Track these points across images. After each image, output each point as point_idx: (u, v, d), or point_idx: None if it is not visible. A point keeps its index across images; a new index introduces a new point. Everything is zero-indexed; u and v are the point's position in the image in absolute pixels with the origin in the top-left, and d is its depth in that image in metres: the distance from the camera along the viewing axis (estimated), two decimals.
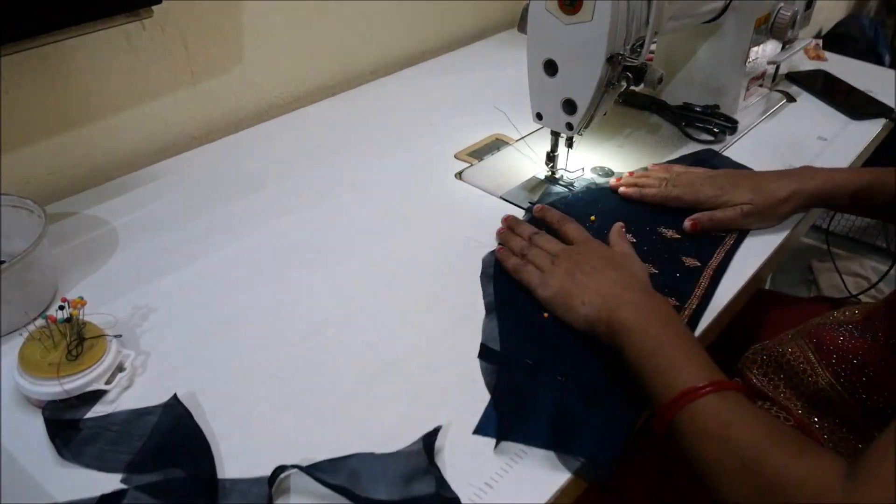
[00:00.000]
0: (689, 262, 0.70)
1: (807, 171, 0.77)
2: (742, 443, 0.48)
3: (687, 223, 0.74)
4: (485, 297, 0.67)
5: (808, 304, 0.88)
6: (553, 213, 0.73)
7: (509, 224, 0.74)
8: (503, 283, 0.68)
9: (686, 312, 0.65)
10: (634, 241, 0.73)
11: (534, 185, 0.84)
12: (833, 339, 0.65)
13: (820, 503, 0.43)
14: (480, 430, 0.54)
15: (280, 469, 0.49)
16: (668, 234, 0.74)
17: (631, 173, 0.83)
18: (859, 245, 1.89)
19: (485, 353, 0.60)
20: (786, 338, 0.70)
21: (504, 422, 0.53)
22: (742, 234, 0.75)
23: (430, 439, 0.52)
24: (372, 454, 0.51)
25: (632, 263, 0.66)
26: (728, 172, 0.81)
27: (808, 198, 0.75)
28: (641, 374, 0.55)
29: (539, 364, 0.59)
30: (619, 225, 0.71)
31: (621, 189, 0.80)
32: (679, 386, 0.51)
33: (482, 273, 0.70)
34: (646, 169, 0.84)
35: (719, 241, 0.74)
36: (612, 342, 0.58)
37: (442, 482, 0.49)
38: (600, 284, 0.61)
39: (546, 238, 0.70)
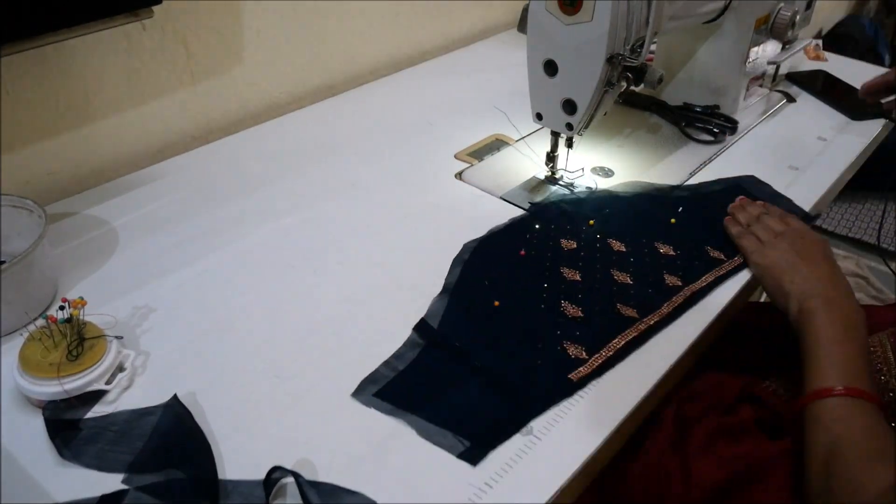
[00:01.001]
0: (671, 280, 0.69)
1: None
2: (838, 438, 0.53)
3: (863, 88, 0.77)
4: (447, 278, 0.68)
5: None
6: (776, 208, 0.77)
7: (742, 202, 0.79)
8: (472, 267, 0.69)
9: (640, 327, 0.63)
10: (624, 250, 0.72)
11: (534, 185, 0.84)
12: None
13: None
14: (361, 390, 0.56)
15: (275, 469, 0.49)
16: (663, 250, 0.73)
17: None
18: (858, 245, 1.89)
19: (420, 327, 0.62)
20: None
21: (405, 395, 0.55)
22: (741, 266, 0.72)
23: None
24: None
25: (830, 252, 0.69)
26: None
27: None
28: (805, 357, 0.60)
29: (467, 350, 0.59)
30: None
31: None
32: (818, 384, 0.57)
33: (456, 257, 0.71)
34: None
35: (714, 264, 0.72)
36: (796, 324, 0.63)
37: None
38: (812, 271, 0.65)
39: (774, 219, 0.74)
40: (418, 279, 0.68)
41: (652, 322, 0.63)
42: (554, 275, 0.69)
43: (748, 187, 0.84)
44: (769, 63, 1.00)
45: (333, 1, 1.01)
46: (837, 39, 2.29)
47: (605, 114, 0.77)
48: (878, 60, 2.25)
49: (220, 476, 0.50)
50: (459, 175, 0.86)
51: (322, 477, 0.50)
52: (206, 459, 0.50)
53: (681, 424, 0.69)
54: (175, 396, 0.55)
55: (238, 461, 0.51)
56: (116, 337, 0.58)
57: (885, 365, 0.65)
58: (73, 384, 0.53)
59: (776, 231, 0.72)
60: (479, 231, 0.75)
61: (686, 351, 0.62)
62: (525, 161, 0.88)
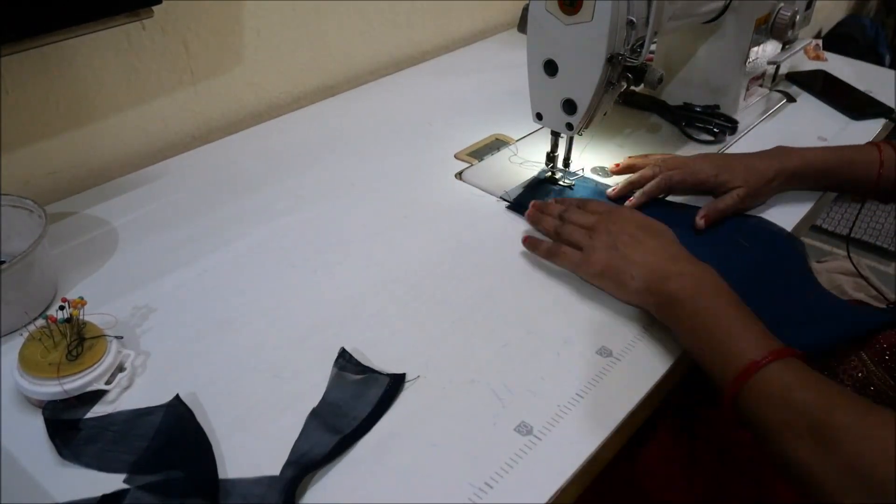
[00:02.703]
0: None
1: (783, 150, 0.79)
2: (807, 404, 0.49)
3: (700, 221, 0.74)
4: None
5: None
6: (569, 199, 0.75)
7: (537, 207, 0.74)
8: None
9: None
10: None
11: (534, 185, 0.84)
12: (887, 338, 0.64)
13: (888, 457, 0.43)
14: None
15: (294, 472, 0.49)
16: None
17: (617, 164, 0.83)
18: (858, 245, 1.89)
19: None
20: None
21: None
22: None
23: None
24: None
25: (664, 228, 0.66)
26: (714, 155, 0.81)
27: (788, 177, 0.77)
28: (696, 348, 0.56)
29: None
30: (631, 200, 0.74)
31: (627, 203, 0.77)
32: (739, 361, 0.52)
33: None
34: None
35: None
36: (662, 316, 0.60)
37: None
38: (645, 256, 0.62)
39: (577, 212, 0.70)
40: (418, 279, 0.68)
41: None
42: None
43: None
44: (769, 63, 1.00)
45: (333, 1, 1.01)
46: (837, 39, 2.29)
47: (605, 114, 0.77)
48: (878, 60, 2.25)
49: (220, 475, 0.50)
50: (459, 175, 0.86)
51: (322, 477, 0.50)
52: (207, 460, 0.50)
53: (682, 421, 0.69)
54: (177, 396, 0.55)
55: (237, 461, 0.51)
56: (116, 337, 0.58)
57: (859, 360, 0.65)
58: (73, 384, 0.53)
59: (587, 225, 0.68)
60: (479, 231, 0.75)
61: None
62: (525, 161, 0.88)
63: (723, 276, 0.60)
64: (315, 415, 0.54)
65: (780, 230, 0.76)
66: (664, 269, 0.60)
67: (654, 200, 0.78)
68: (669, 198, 0.80)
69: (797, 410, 0.49)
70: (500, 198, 0.80)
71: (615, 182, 0.83)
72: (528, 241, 0.71)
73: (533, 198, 0.79)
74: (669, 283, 0.59)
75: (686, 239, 0.66)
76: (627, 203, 0.77)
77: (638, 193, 0.78)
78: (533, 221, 0.74)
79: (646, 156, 0.83)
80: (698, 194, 0.79)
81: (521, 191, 0.82)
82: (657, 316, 0.61)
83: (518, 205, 0.79)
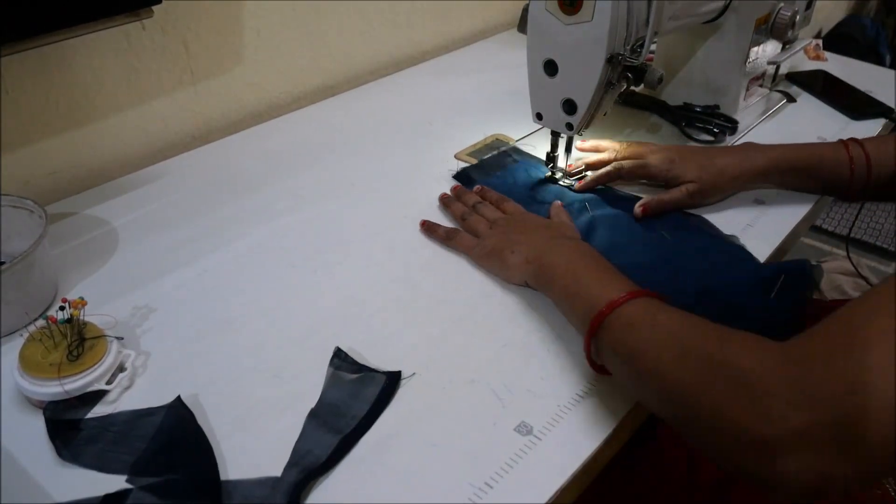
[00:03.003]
0: None
1: (751, 147, 0.79)
2: (673, 329, 0.48)
3: (637, 209, 0.75)
4: None
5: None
6: (493, 192, 0.77)
7: (456, 192, 0.78)
8: None
9: None
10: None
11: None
12: None
13: (763, 372, 0.42)
14: None
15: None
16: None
17: (583, 140, 0.84)
18: (858, 245, 1.89)
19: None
20: None
21: None
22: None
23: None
24: None
25: (566, 230, 0.69)
26: (676, 147, 0.81)
27: (754, 175, 0.77)
28: (565, 306, 0.59)
29: None
30: (558, 203, 0.75)
31: (577, 186, 0.80)
32: (598, 302, 0.53)
33: None
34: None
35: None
36: (539, 284, 0.62)
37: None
38: (530, 238, 0.65)
39: (489, 208, 0.73)
40: (418, 279, 0.68)
41: None
42: None
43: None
44: (769, 63, 1.00)
45: (333, 1, 1.01)
46: (837, 39, 2.29)
47: (605, 114, 0.77)
48: (878, 60, 2.25)
49: (221, 476, 0.50)
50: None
51: (322, 477, 0.50)
52: (208, 461, 0.50)
53: None
54: (179, 398, 0.55)
55: (237, 461, 0.51)
56: (117, 337, 0.58)
57: None
58: (74, 384, 0.53)
59: (491, 219, 0.71)
60: None
61: None
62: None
63: (639, 266, 0.63)
64: (314, 415, 0.54)
65: (718, 233, 0.74)
66: (543, 245, 0.64)
67: (603, 187, 0.81)
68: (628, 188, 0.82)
69: (663, 334, 0.48)
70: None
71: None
72: (425, 226, 0.74)
73: (483, 173, 0.83)
74: (544, 255, 0.62)
75: (612, 226, 0.72)
76: (576, 186, 0.80)
77: (588, 177, 0.80)
78: (444, 204, 0.77)
79: (612, 142, 0.83)
80: (653, 185, 0.80)
81: (473, 165, 0.85)
82: (535, 286, 0.64)
83: (465, 176, 0.83)
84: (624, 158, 0.79)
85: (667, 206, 0.76)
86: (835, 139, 0.95)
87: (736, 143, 0.93)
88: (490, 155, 0.88)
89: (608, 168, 0.79)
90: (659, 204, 0.75)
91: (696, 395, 0.45)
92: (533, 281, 0.64)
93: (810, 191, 0.80)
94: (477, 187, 0.78)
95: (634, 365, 0.50)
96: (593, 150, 0.83)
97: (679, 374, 0.46)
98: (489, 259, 0.67)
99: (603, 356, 0.54)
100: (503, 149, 0.89)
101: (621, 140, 0.83)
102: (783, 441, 0.39)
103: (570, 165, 0.83)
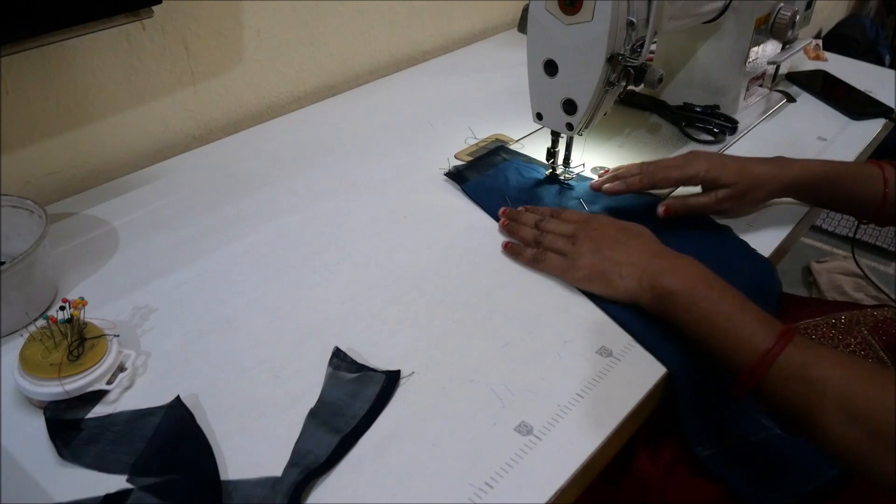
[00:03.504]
0: None
1: (782, 159, 0.78)
2: (829, 381, 0.49)
3: (660, 208, 0.73)
4: None
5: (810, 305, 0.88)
6: (541, 208, 0.74)
7: (510, 216, 0.74)
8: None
9: None
10: None
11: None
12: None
13: None
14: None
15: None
16: None
17: (606, 171, 0.82)
18: (858, 245, 1.89)
19: None
20: (839, 324, 0.70)
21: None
22: None
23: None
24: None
25: (644, 229, 0.67)
26: (712, 153, 0.80)
27: (784, 186, 0.75)
28: (702, 338, 0.57)
29: None
30: (609, 185, 0.74)
31: (605, 187, 0.77)
32: (750, 347, 0.53)
33: None
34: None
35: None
36: (658, 310, 0.61)
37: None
38: (631, 256, 0.63)
39: (553, 221, 0.70)
40: (418, 279, 0.68)
41: None
42: None
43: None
44: (769, 63, 1.00)
45: (333, 1, 1.01)
46: (837, 39, 2.29)
47: (605, 114, 0.77)
48: (878, 60, 2.25)
49: (221, 476, 0.50)
50: None
51: (322, 477, 0.50)
52: (208, 461, 0.50)
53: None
54: (178, 398, 0.55)
55: (237, 461, 0.51)
56: (117, 337, 0.58)
57: (875, 356, 0.65)
58: (74, 384, 0.53)
59: (567, 234, 0.68)
60: (480, 231, 0.75)
61: None
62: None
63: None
64: (313, 415, 0.54)
65: (758, 256, 0.73)
66: (652, 266, 0.62)
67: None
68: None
69: (819, 389, 0.49)
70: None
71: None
72: (510, 248, 0.71)
73: (477, 173, 0.82)
74: (661, 279, 0.60)
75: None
76: (605, 186, 0.77)
77: (618, 182, 0.76)
78: (509, 231, 0.73)
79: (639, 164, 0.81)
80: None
81: (465, 164, 0.85)
82: (653, 311, 0.62)
83: (458, 174, 0.82)
84: (660, 168, 0.76)
85: (693, 209, 0.74)
86: (835, 139, 0.95)
87: (736, 143, 0.93)
88: (482, 153, 0.88)
89: (639, 177, 0.75)
90: (684, 207, 0.74)
91: (865, 463, 0.47)
92: (649, 307, 0.62)
93: (840, 209, 0.79)
94: (521, 207, 0.75)
95: (796, 426, 0.51)
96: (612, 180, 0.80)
97: (848, 445, 0.48)
98: (591, 282, 0.65)
99: (759, 400, 0.54)
100: (492, 147, 0.89)
101: (620, 142, 0.83)
102: None
103: (604, 171, 0.81)
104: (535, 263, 0.68)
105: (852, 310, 0.72)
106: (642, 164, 0.77)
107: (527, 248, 0.69)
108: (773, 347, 0.52)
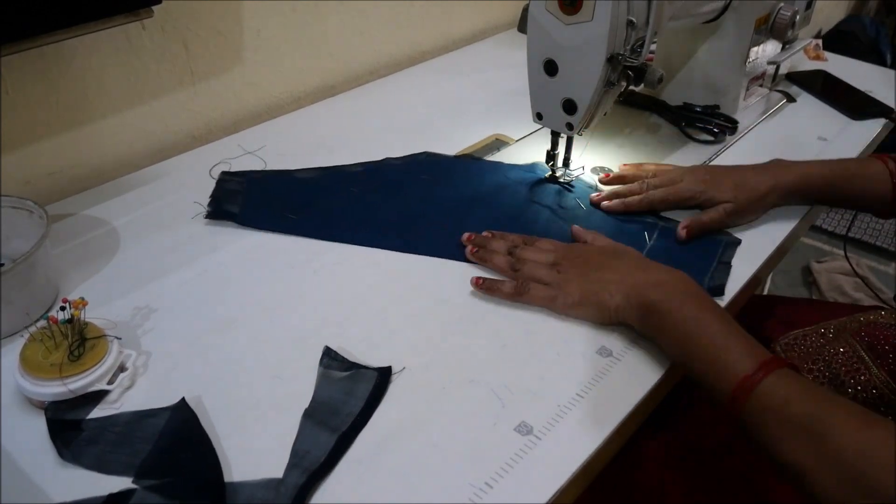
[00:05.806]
0: None
1: (780, 164, 0.78)
2: (804, 418, 0.48)
3: (681, 232, 0.73)
4: None
5: (808, 307, 0.88)
6: (513, 235, 0.70)
7: (477, 242, 0.70)
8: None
9: None
10: None
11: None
12: (888, 339, 0.64)
13: (886, 471, 0.43)
14: None
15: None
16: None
17: (607, 175, 0.82)
18: (858, 245, 1.89)
19: None
20: (827, 333, 0.70)
21: None
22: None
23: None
24: None
25: (628, 248, 0.67)
26: (706, 168, 0.80)
27: (785, 192, 0.76)
28: (684, 359, 0.56)
29: None
30: (575, 227, 0.73)
31: (604, 204, 0.78)
32: (732, 373, 0.52)
33: None
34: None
35: None
36: (644, 327, 0.59)
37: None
38: (617, 274, 0.62)
39: (530, 249, 0.67)
40: (418, 279, 0.69)
41: None
42: None
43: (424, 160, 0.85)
44: (769, 63, 1.00)
45: (333, 1, 1.01)
46: (837, 39, 2.29)
47: (605, 114, 0.77)
48: (879, 60, 2.25)
49: (224, 478, 0.50)
50: None
51: (324, 477, 0.50)
52: (211, 464, 0.50)
53: (681, 421, 0.69)
54: (183, 400, 0.55)
55: (238, 461, 0.51)
56: (117, 337, 0.58)
57: (861, 364, 0.65)
58: (75, 385, 0.53)
59: (548, 261, 0.65)
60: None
61: None
62: (525, 161, 0.88)
63: None
64: (308, 416, 0.54)
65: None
66: (640, 281, 0.60)
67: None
68: None
69: (797, 423, 0.48)
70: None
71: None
72: (482, 285, 0.65)
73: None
74: (649, 293, 0.59)
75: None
76: (604, 204, 0.77)
77: (617, 202, 0.77)
78: (479, 259, 0.68)
79: (639, 165, 0.82)
80: (686, 209, 0.77)
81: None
82: (639, 328, 0.60)
83: (221, 212, 0.76)
84: (655, 188, 0.77)
85: (707, 227, 0.74)
86: (835, 139, 0.95)
87: (736, 143, 0.93)
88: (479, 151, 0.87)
89: (639, 200, 0.76)
90: (700, 226, 0.73)
91: (829, 497, 0.46)
92: (637, 325, 0.60)
93: (846, 206, 0.79)
94: (486, 232, 0.71)
95: (767, 451, 0.50)
96: (618, 180, 0.81)
97: (816, 479, 0.47)
98: (583, 307, 0.62)
99: (742, 430, 0.53)
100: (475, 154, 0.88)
101: (620, 142, 0.83)
102: None
103: (606, 175, 0.82)
104: (517, 296, 0.64)
105: (844, 315, 0.72)
106: (641, 182, 0.78)
107: (504, 282, 0.65)
108: (753, 375, 0.51)
